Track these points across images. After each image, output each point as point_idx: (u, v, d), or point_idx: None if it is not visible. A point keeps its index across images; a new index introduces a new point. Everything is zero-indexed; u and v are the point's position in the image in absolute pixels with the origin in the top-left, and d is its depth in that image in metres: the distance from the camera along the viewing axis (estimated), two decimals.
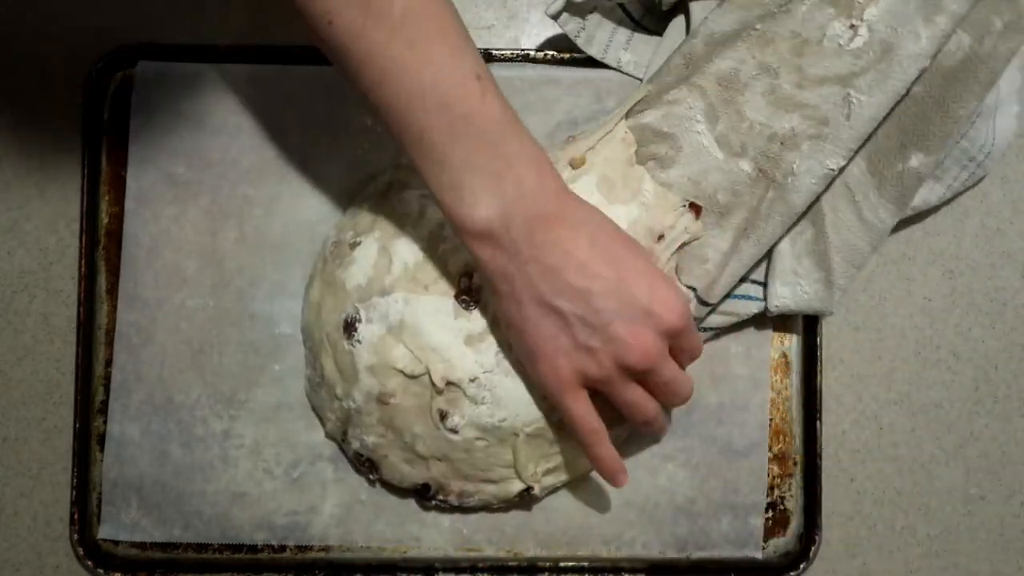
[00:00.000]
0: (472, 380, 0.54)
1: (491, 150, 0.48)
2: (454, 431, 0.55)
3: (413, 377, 0.54)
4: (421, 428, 0.55)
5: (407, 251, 0.55)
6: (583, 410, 0.52)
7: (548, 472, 0.57)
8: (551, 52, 0.61)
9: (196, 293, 0.60)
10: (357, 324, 0.55)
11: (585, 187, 0.56)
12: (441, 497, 0.58)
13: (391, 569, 0.59)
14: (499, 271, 0.50)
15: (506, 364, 0.54)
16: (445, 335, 0.54)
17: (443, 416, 0.54)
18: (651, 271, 0.51)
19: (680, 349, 0.53)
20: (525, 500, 0.58)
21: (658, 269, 0.51)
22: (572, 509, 0.60)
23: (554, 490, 0.59)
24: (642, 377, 0.52)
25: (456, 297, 0.54)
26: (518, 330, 0.51)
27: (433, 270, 0.55)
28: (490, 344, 0.54)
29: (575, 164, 0.57)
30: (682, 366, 0.54)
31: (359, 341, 0.55)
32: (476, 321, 0.54)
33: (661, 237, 0.56)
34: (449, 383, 0.54)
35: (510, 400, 0.54)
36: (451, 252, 0.55)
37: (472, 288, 0.54)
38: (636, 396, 0.53)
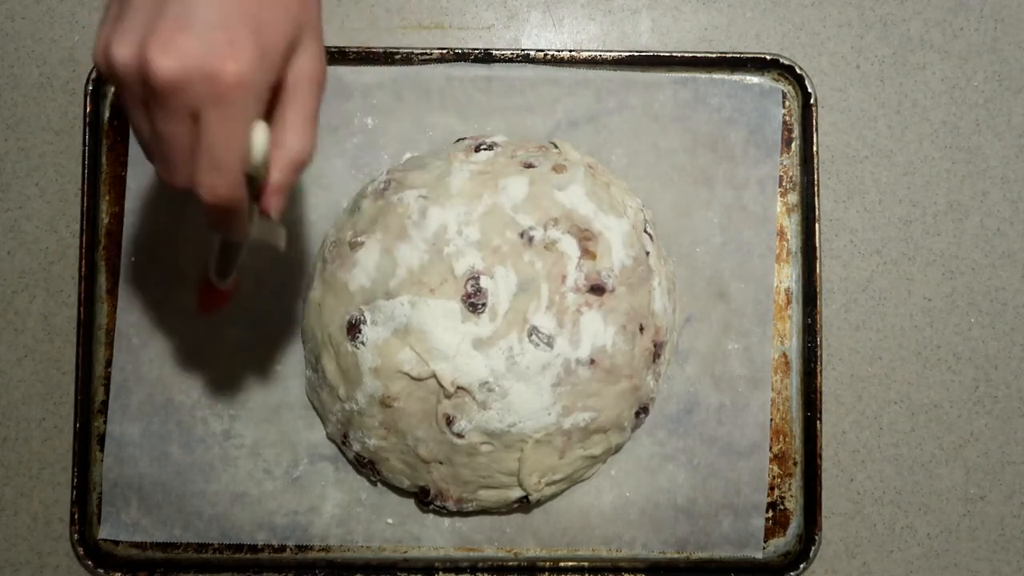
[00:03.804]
0: (482, 384, 0.54)
1: None
2: (460, 436, 0.55)
3: (419, 380, 0.54)
4: (424, 432, 0.55)
5: (410, 254, 0.55)
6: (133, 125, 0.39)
7: (551, 483, 0.57)
8: (551, 52, 0.61)
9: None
10: (361, 326, 0.55)
11: (576, 196, 0.56)
12: (439, 503, 0.58)
13: (391, 569, 0.59)
14: None
15: (517, 368, 0.54)
16: (453, 339, 0.54)
17: (449, 421, 0.54)
18: (265, 20, 0.37)
19: (200, 131, 0.37)
20: (523, 506, 0.58)
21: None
22: (572, 509, 0.60)
23: (552, 496, 0.59)
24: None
25: (463, 300, 0.54)
26: None
27: (438, 273, 0.54)
28: (500, 348, 0.54)
29: (557, 170, 0.57)
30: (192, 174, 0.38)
31: (363, 343, 0.55)
32: (484, 325, 0.54)
33: (648, 254, 0.57)
34: (459, 388, 0.54)
35: (521, 405, 0.54)
36: (456, 255, 0.54)
37: (480, 291, 0.54)
38: (155, 128, 0.38)
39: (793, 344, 0.61)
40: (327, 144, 0.61)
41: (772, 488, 0.60)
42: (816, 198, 0.61)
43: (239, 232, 0.42)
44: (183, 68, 0.35)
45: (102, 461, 0.59)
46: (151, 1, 0.36)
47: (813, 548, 0.59)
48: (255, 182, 0.40)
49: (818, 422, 0.60)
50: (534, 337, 0.54)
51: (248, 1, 0.37)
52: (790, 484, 0.60)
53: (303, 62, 0.40)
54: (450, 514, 0.59)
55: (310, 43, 0.40)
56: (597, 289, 0.55)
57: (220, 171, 0.38)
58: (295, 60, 0.39)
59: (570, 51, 0.61)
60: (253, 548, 0.59)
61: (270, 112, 0.39)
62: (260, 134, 0.38)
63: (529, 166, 0.57)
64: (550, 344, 0.54)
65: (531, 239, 0.55)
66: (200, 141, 0.37)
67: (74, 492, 0.59)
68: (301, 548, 0.59)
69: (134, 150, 0.60)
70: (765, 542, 0.60)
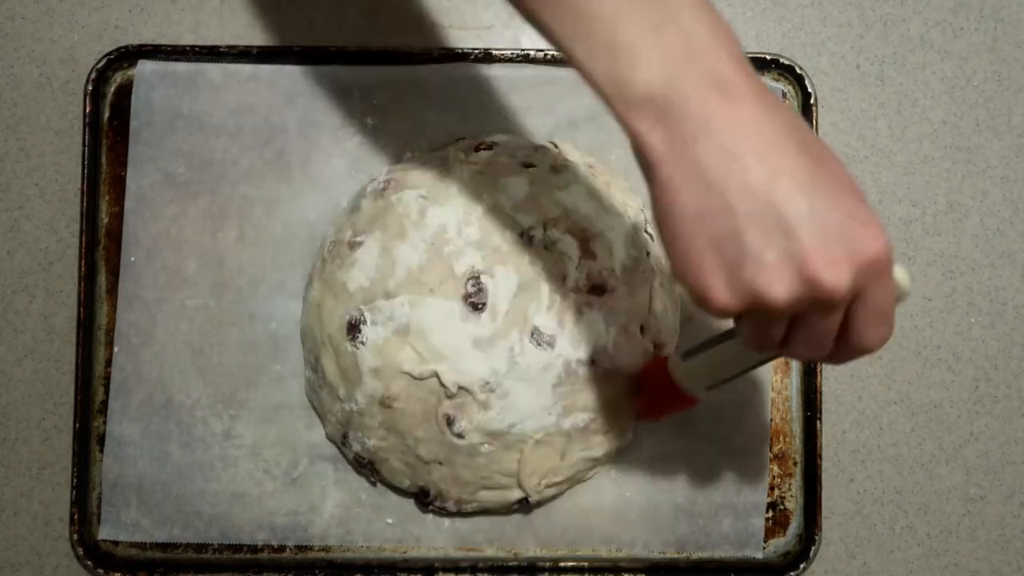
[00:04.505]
0: (483, 384, 0.54)
1: None
2: (460, 436, 0.54)
3: (419, 380, 0.54)
4: (424, 432, 0.55)
5: (410, 253, 0.55)
6: (759, 337, 0.41)
7: (551, 485, 0.57)
8: (551, 52, 0.61)
9: (196, 293, 0.60)
10: (361, 326, 0.55)
11: (576, 195, 0.56)
12: (439, 503, 0.58)
13: (391, 569, 0.59)
14: (657, 151, 0.39)
15: (519, 368, 0.54)
16: (454, 338, 0.54)
17: (449, 421, 0.54)
18: (854, 186, 0.39)
19: (863, 305, 0.39)
20: (523, 507, 0.58)
21: (859, 191, 0.39)
22: (572, 509, 0.60)
23: (552, 497, 0.59)
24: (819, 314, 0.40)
25: (463, 300, 0.54)
26: (670, 233, 0.40)
27: (438, 272, 0.54)
28: (502, 348, 0.54)
29: (557, 170, 0.57)
30: (851, 342, 0.41)
31: (363, 343, 0.55)
32: (485, 325, 0.54)
33: (648, 254, 0.57)
34: (460, 388, 0.54)
35: (522, 405, 0.54)
36: (456, 254, 0.54)
37: (480, 290, 0.54)
38: (806, 332, 0.40)
39: None
40: (327, 144, 0.61)
41: (772, 488, 0.60)
42: None
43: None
44: (850, 273, 0.37)
45: (102, 461, 0.59)
46: (769, 232, 0.37)
47: (813, 548, 0.59)
48: None
49: (818, 422, 0.60)
50: (535, 337, 0.54)
51: (836, 181, 0.39)
52: (790, 484, 0.60)
53: None
54: (450, 514, 0.59)
55: None
56: (598, 289, 0.55)
57: (887, 321, 0.40)
58: None
59: None
60: (253, 548, 0.59)
61: None
62: (902, 272, 0.41)
63: (529, 166, 0.57)
64: (551, 344, 0.54)
65: (531, 239, 0.55)
66: (865, 311, 0.40)
67: (74, 492, 0.59)
68: (301, 548, 0.59)
69: (134, 150, 0.60)
70: (765, 542, 0.60)
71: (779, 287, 0.38)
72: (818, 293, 0.38)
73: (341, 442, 0.58)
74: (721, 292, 0.39)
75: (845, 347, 0.41)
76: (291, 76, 0.61)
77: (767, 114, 0.38)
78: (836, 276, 0.37)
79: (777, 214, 0.37)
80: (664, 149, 0.39)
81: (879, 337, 0.41)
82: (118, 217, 0.60)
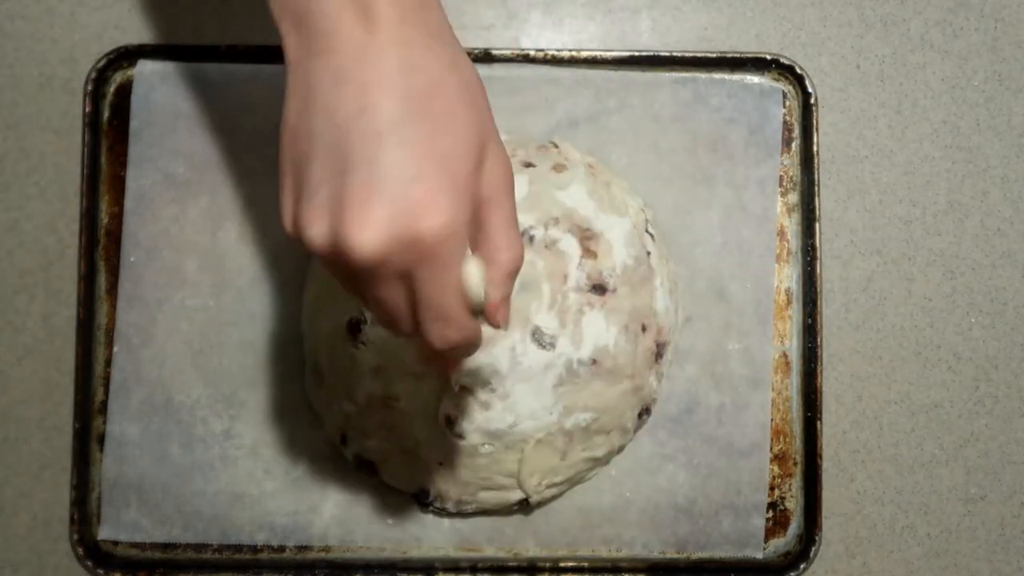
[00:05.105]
0: (485, 384, 0.54)
1: None
2: (460, 436, 0.54)
3: (421, 379, 0.54)
4: (424, 433, 0.55)
5: None
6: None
7: (551, 486, 0.57)
8: (551, 52, 0.61)
9: (196, 293, 0.60)
10: (362, 326, 0.55)
11: (576, 195, 0.56)
12: (438, 504, 0.58)
13: (391, 569, 0.59)
14: (288, 55, 0.38)
15: (520, 368, 0.54)
16: None
17: (449, 421, 0.54)
18: (458, 158, 0.35)
19: (418, 291, 0.36)
20: (523, 508, 0.58)
21: (467, 167, 0.36)
22: (572, 509, 0.60)
23: (552, 498, 0.59)
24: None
25: None
26: (279, 142, 0.38)
27: None
28: (504, 348, 0.54)
29: (557, 169, 0.57)
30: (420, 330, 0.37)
31: (363, 343, 0.55)
32: (487, 325, 0.54)
33: (649, 254, 0.57)
34: (462, 388, 0.54)
35: (523, 405, 0.54)
36: None
37: None
38: (369, 294, 0.37)
39: (793, 344, 0.61)
40: None
41: (772, 488, 0.60)
42: (816, 198, 0.61)
43: (469, 353, 0.39)
44: (382, 242, 0.33)
45: (102, 461, 0.59)
46: (331, 169, 0.34)
47: (813, 548, 0.59)
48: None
49: (818, 422, 0.60)
50: (537, 337, 0.54)
51: (433, 138, 0.34)
52: (790, 484, 0.60)
53: (490, 170, 0.37)
54: (450, 515, 0.59)
55: (493, 147, 0.38)
56: (599, 289, 0.55)
57: (446, 320, 0.36)
58: (483, 171, 0.37)
59: (570, 51, 0.61)
60: (253, 548, 0.59)
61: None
62: (475, 273, 0.36)
63: (529, 165, 0.57)
64: (553, 344, 0.54)
65: (532, 238, 0.55)
66: (418, 298, 0.36)
67: (74, 492, 0.59)
68: (301, 548, 0.59)
69: (134, 150, 0.60)
70: (765, 542, 0.60)
71: (314, 230, 0.35)
72: (341, 251, 0.34)
73: (341, 442, 0.58)
74: (286, 217, 0.37)
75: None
76: None
77: (397, 49, 0.35)
78: (361, 238, 0.33)
79: (344, 152, 0.34)
80: (293, 55, 0.37)
81: (437, 335, 0.37)
82: (118, 217, 0.60)
